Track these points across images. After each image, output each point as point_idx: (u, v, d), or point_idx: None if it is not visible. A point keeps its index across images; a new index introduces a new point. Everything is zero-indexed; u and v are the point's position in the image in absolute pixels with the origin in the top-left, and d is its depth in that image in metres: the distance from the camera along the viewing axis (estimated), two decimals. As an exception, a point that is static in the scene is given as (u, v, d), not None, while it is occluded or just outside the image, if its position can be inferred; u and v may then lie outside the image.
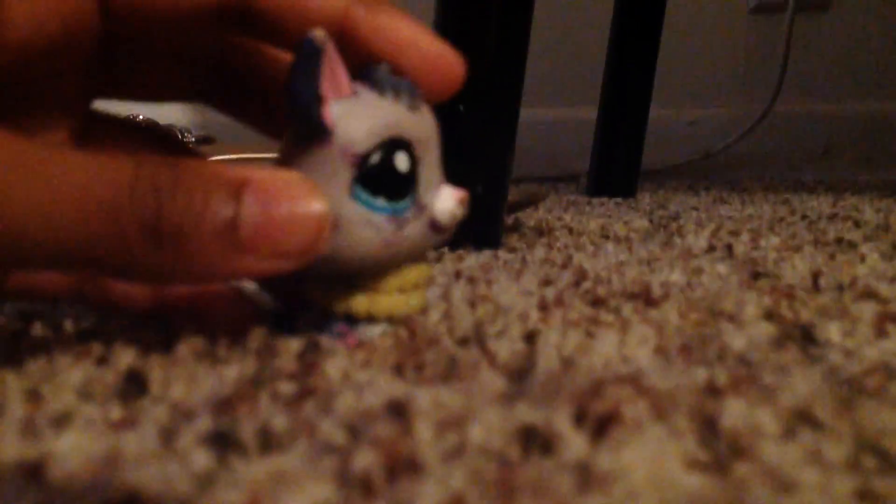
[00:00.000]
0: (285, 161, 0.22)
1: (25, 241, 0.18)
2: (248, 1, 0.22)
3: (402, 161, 0.22)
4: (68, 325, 0.26)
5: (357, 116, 0.21)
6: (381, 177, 0.22)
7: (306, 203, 0.20)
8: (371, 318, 0.24)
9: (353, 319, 0.24)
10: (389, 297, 0.24)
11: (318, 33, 0.20)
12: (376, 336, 0.24)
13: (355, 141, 0.21)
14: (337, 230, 0.21)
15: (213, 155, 0.59)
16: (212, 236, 0.19)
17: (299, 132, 0.22)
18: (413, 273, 0.24)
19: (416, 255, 0.24)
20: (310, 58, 0.20)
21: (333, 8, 0.22)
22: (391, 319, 0.25)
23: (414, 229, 0.23)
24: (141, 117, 0.64)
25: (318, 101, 0.21)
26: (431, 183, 0.23)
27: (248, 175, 0.19)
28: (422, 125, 0.23)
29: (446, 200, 0.23)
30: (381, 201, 0.22)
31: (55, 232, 0.18)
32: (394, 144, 0.22)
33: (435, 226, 0.23)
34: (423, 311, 0.27)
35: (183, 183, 0.19)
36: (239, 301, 0.26)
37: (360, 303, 0.23)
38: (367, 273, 0.23)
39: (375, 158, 0.22)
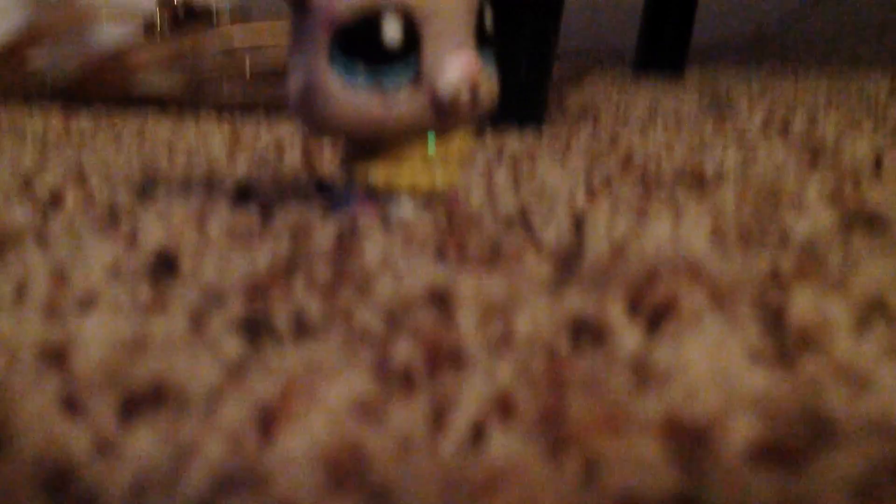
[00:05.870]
0: (289, 31, 0.22)
1: None
2: None
3: (391, 29, 0.21)
4: (100, 200, 0.25)
5: None
6: (361, 42, 0.21)
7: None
8: (394, 191, 0.23)
9: (378, 194, 0.23)
10: (412, 169, 0.23)
11: None
12: (408, 214, 0.23)
13: (334, 6, 0.21)
14: (315, 96, 0.21)
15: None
16: None
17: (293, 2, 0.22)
18: (441, 146, 0.23)
19: (415, 130, 0.22)
20: None
21: None
22: (426, 196, 0.23)
23: (408, 103, 0.21)
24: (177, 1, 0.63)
25: None
26: (443, 58, 0.21)
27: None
28: None
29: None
30: (360, 67, 0.21)
31: None
32: (383, 10, 0.21)
33: (437, 102, 0.21)
34: (458, 188, 0.25)
35: None
36: None
37: (378, 172, 0.23)
38: (365, 139, 0.23)
39: (355, 23, 0.21)
